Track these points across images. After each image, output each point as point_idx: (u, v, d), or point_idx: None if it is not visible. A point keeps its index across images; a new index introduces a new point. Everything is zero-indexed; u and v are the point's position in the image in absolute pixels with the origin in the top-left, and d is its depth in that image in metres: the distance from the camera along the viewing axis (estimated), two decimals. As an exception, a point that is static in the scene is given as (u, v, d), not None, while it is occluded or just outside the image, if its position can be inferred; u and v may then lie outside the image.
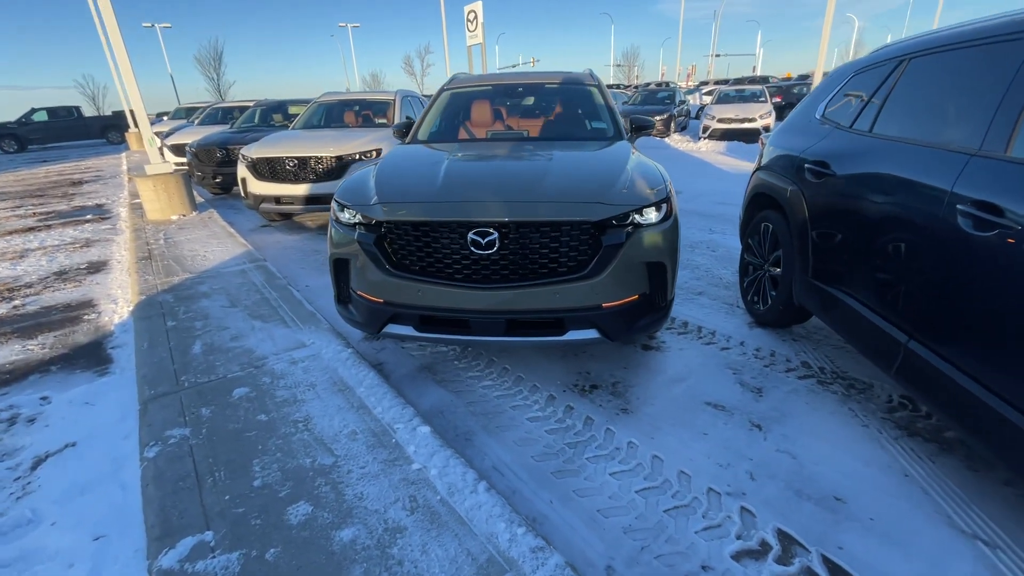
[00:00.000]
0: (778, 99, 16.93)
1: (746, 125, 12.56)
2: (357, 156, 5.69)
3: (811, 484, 1.95)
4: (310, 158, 5.59)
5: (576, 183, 2.44)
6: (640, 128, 3.61)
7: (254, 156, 5.72)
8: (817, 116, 2.99)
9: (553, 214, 2.21)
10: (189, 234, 5.64)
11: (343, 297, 2.70)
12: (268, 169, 5.70)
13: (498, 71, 4.23)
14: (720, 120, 12.85)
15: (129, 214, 7.05)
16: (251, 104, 10.76)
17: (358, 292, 2.54)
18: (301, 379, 2.55)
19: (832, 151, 2.59)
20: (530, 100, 3.95)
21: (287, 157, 5.59)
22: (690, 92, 24.13)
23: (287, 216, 6.60)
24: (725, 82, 27.94)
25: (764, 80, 28.27)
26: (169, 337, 3.07)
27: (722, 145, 11.87)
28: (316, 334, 3.04)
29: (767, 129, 12.72)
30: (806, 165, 2.72)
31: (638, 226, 2.33)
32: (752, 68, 54.62)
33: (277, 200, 5.78)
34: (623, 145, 3.14)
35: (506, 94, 4.00)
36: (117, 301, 3.94)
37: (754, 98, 14.03)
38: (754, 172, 3.47)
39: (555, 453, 2.16)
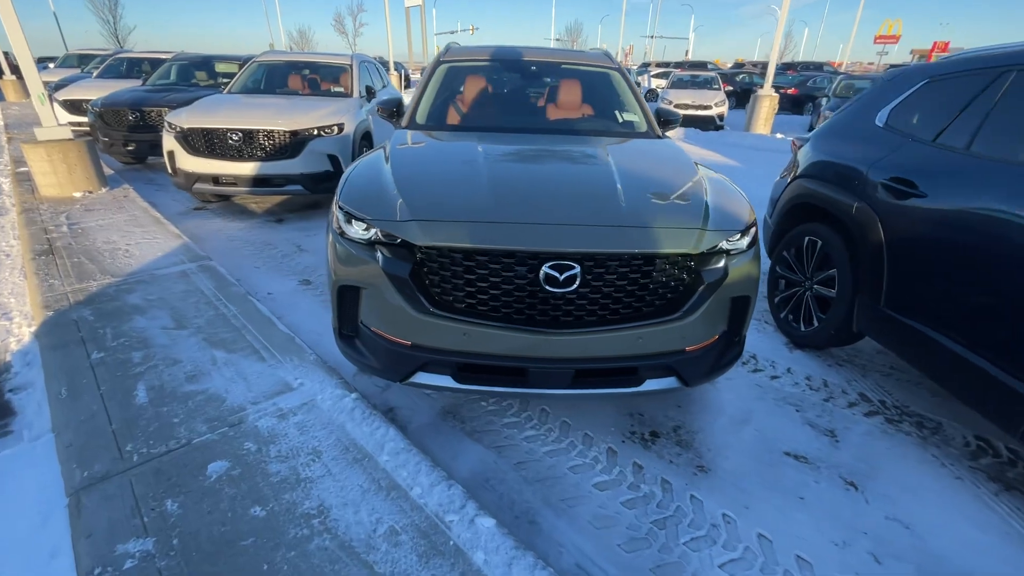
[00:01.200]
0: (793, 92, 17.08)
1: (702, 112, 12.58)
2: (315, 131, 4.86)
3: (943, 566, 1.70)
4: (258, 131, 4.69)
5: (659, 201, 1.99)
6: (666, 122, 3.20)
7: (186, 125, 4.72)
8: (879, 123, 2.72)
9: (648, 243, 1.76)
10: (101, 218, 4.58)
11: (348, 331, 2.11)
12: (204, 142, 4.72)
13: (493, 45, 3.66)
14: (677, 105, 12.78)
15: (14, 188, 5.70)
16: (166, 57, 9.20)
17: (374, 330, 1.97)
18: (299, 443, 1.95)
19: (917, 168, 2.32)
20: (546, 82, 3.39)
21: (230, 129, 4.65)
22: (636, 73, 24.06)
23: (224, 197, 5.62)
24: (677, 65, 27.86)
25: (703, 65, 28.81)
26: (97, 377, 2.31)
27: (680, 131, 11.81)
28: (302, 369, 2.41)
29: (721, 118, 12.85)
30: (882, 181, 2.44)
31: (728, 255, 1.94)
32: (685, 52, 55.87)
33: (215, 180, 4.84)
34: (671, 145, 2.71)
35: (517, 73, 3.42)
36: (11, 316, 3.02)
37: (707, 85, 14.11)
38: (792, 178, 3.19)
39: (645, 538, 1.76)
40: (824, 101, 11.27)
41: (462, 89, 3.27)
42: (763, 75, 20.12)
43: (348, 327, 2.10)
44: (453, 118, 3.12)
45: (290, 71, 6.33)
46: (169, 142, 4.86)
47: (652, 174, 2.26)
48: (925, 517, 1.89)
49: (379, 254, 1.83)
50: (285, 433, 2.00)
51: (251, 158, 4.75)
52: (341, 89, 6.10)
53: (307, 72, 6.38)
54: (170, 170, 4.97)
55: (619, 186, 1.99)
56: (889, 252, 2.37)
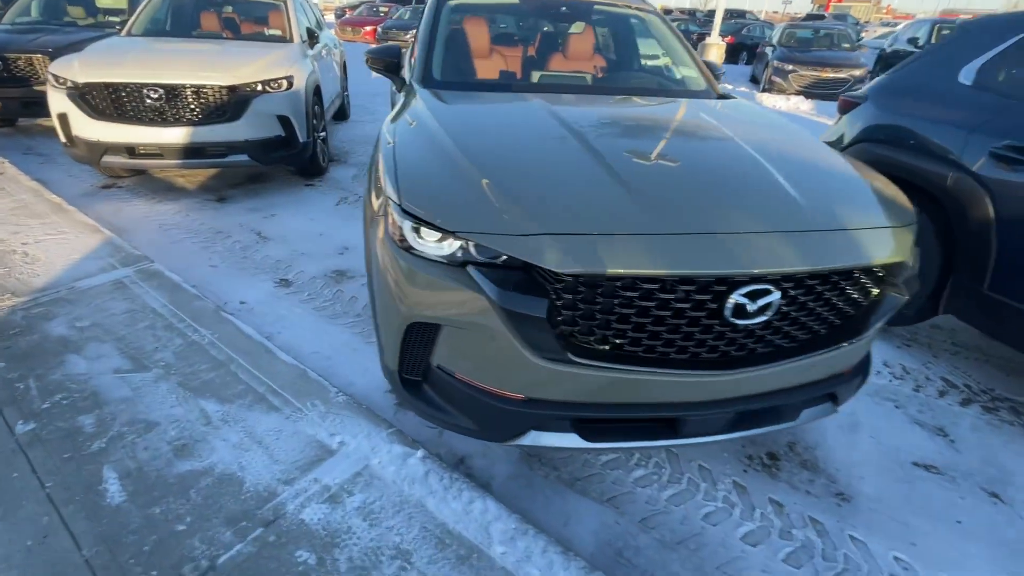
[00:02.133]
0: (730, 40, 15.59)
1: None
2: (259, 86, 3.91)
3: None
4: (184, 87, 3.68)
5: (831, 191, 1.57)
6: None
7: (82, 79, 3.60)
8: (965, 82, 2.45)
9: (854, 253, 1.34)
10: (-27, 207, 3.46)
11: (414, 375, 1.56)
12: (111, 102, 3.65)
13: None
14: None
15: None
16: (22, -15, 7.26)
17: (463, 378, 1.45)
18: (372, 541, 1.42)
19: (1039, 135, 2.08)
20: (579, 28, 2.78)
21: (146, 84, 3.60)
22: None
23: (140, 171, 4.52)
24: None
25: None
26: (35, 466, 1.60)
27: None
28: (335, 419, 1.83)
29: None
30: (992, 150, 2.18)
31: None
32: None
33: (131, 151, 3.80)
34: (759, 108, 2.29)
35: (546, 18, 2.78)
36: None
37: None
38: (850, 143, 2.89)
39: (833, 609, 1.46)
40: (770, 51, 11.25)
41: (478, 37, 2.60)
42: (698, 23, 19.95)
43: (414, 369, 1.55)
44: (482, 73, 2.47)
45: (205, 8, 5.10)
46: (59, 101, 3.71)
47: (787, 151, 1.82)
48: (1086, 529, 1.74)
49: (485, 285, 1.27)
50: (348, 527, 1.45)
51: (178, 122, 3.75)
52: (277, 32, 5.03)
53: (230, 9, 5.18)
54: (63, 138, 3.84)
55: (774, 172, 1.54)
56: (1000, 230, 2.15)
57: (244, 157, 3.98)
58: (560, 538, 1.54)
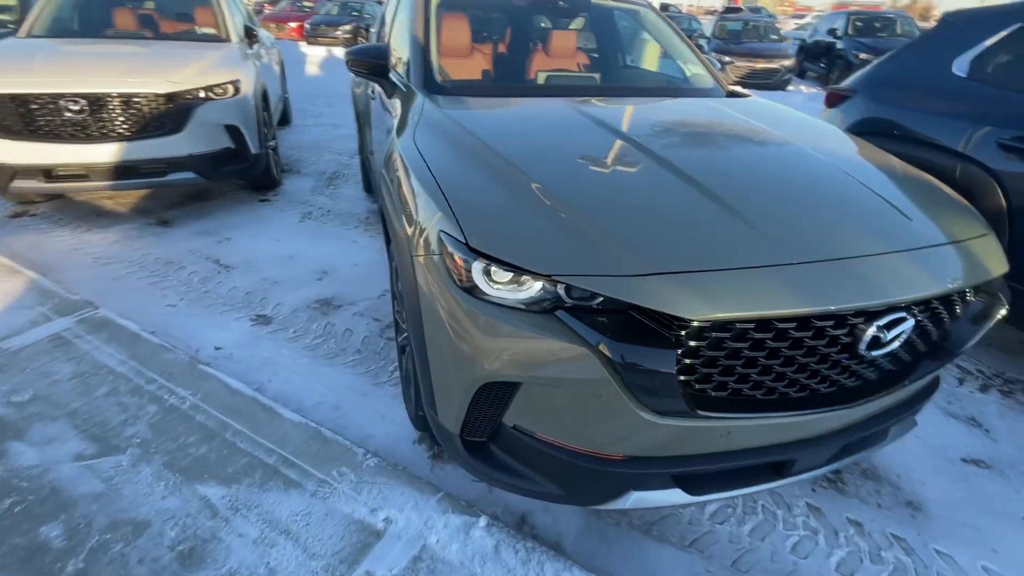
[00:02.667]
0: None
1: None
2: (202, 93, 3.44)
3: None
4: (111, 96, 3.16)
5: (922, 202, 1.48)
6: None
7: (-22, 91, 3.00)
8: (959, 73, 2.50)
9: (974, 270, 1.26)
10: None
11: (477, 437, 1.32)
12: (20, 116, 3.06)
13: None
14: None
15: None
16: None
17: (546, 438, 1.23)
18: (459, 646, 1.18)
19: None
20: (579, 23, 2.58)
21: (65, 95, 3.05)
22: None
23: (56, 194, 3.88)
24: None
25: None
26: (-10, 605, 1.22)
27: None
28: (369, 489, 1.55)
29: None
30: (1000, 141, 2.22)
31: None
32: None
33: (48, 174, 3.23)
34: (785, 109, 2.20)
35: (543, 10, 2.56)
36: None
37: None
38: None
39: (950, 639, 1.38)
40: (705, 43, 11.60)
41: (480, 34, 2.36)
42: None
43: (479, 431, 1.32)
44: (494, 74, 2.23)
45: (120, 3, 4.46)
46: (-52, 118, 3.07)
47: (854, 157, 1.72)
48: None
49: (586, 330, 1.06)
50: (424, 632, 1.21)
51: (106, 137, 3.21)
52: (209, 30, 4.48)
53: (149, 5, 4.56)
54: (-44, 161, 3.19)
55: (864, 183, 1.43)
56: (1015, 220, 2.19)
57: (189, 175, 3.49)
58: (655, 600, 1.37)
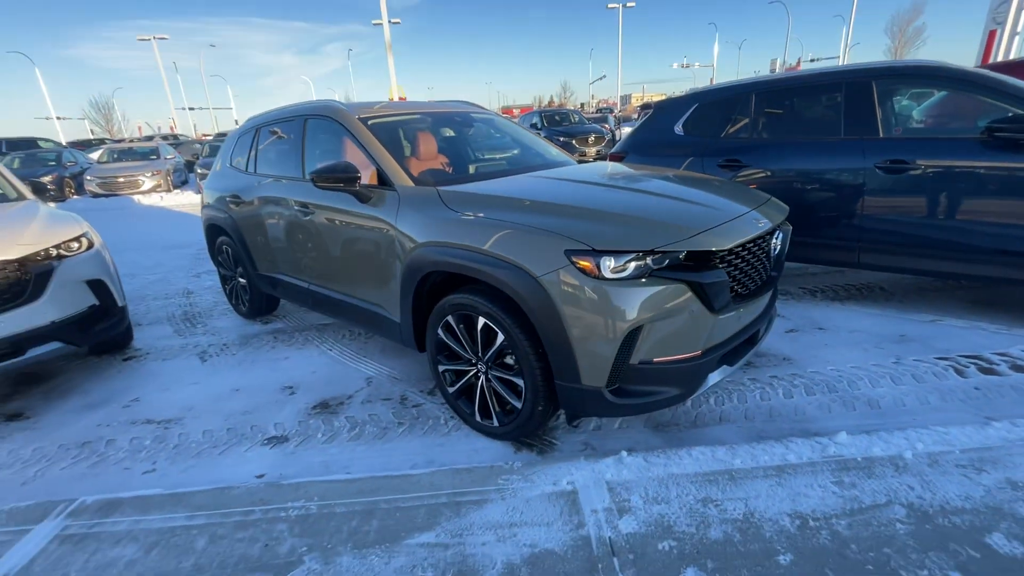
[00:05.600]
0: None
1: None
2: (55, 252, 3.03)
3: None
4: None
5: (733, 186, 2.75)
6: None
7: None
8: (679, 132, 4.23)
9: (776, 217, 2.50)
10: None
11: (613, 386, 1.94)
12: None
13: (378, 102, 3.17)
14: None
15: None
16: None
17: (664, 359, 1.94)
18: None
19: (740, 149, 3.88)
20: (483, 128, 3.46)
21: None
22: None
23: None
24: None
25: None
26: None
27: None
28: (537, 475, 1.92)
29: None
30: (719, 163, 3.91)
31: None
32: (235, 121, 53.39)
33: None
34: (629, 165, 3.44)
35: (447, 124, 3.32)
36: None
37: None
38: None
39: None
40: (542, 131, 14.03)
41: (411, 142, 2.98)
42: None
43: (614, 380, 1.94)
44: (447, 168, 2.87)
45: None
46: None
47: (690, 173, 2.98)
48: None
49: (678, 275, 1.86)
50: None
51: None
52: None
53: None
54: None
55: (716, 178, 2.62)
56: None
57: (53, 345, 2.95)
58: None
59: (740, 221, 2.12)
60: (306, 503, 1.88)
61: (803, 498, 1.73)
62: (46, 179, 12.13)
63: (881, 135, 3.25)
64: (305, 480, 2.02)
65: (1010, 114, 2.87)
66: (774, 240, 2.27)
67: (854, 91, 3.36)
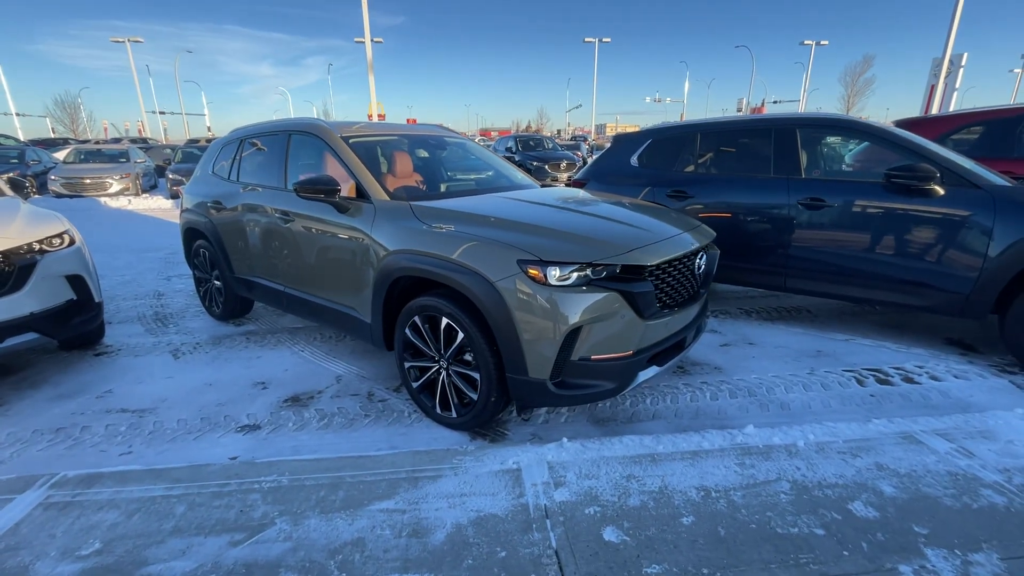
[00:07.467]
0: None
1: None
2: (37, 246, 3.16)
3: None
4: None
5: (673, 213, 3.13)
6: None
7: None
8: (635, 163, 4.66)
9: (704, 239, 2.89)
10: None
11: (556, 379, 2.24)
12: None
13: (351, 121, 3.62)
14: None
15: None
16: None
17: (600, 358, 2.26)
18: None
19: (686, 182, 4.32)
20: (443, 152, 3.75)
21: None
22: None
23: None
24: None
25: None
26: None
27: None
28: (488, 456, 2.18)
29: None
30: (666, 193, 4.34)
31: None
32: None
33: None
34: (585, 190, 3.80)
35: (421, 145, 3.63)
36: None
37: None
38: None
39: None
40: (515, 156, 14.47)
41: (388, 160, 3.27)
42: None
43: (557, 374, 2.24)
44: (419, 184, 3.17)
45: None
46: None
47: (629, 200, 3.34)
48: (781, 342, 3.80)
49: (610, 285, 2.19)
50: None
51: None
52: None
53: None
54: None
55: (653, 204, 3.00)
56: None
57: (29, 336, 3.06)
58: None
59: (669, 242, 2.48)
60: (278, 477, 2.09)
61: (709, 476, 2.05)
62: (4, 177, 11.81)
63: (803, 176, 3.73)
64: (277, 459, 2.23)
65: (905, 163, 3.37)
66: (699, 260, 2.63)
67: (782, 136, 3.85)
